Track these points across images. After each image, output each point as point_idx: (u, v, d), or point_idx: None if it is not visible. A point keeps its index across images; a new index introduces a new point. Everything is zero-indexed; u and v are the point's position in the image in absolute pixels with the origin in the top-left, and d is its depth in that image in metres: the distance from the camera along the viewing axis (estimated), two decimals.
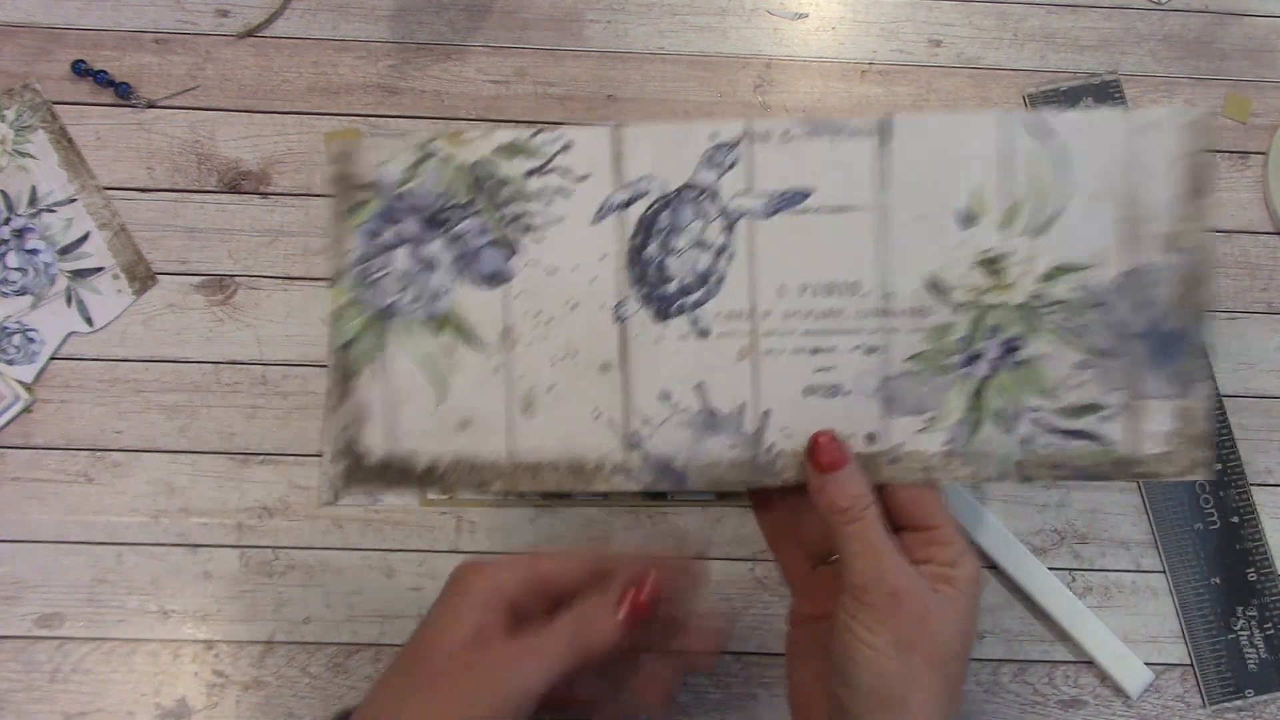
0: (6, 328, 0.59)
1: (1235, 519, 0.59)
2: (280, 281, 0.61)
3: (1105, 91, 0.66)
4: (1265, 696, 0.56)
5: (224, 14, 0.65)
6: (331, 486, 0.42)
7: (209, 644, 0.55)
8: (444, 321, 0.40)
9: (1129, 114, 0.40)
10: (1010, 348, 0.39)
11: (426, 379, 0.41)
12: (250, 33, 0.65)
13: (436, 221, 0.40)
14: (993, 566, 0.58)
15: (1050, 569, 0.57)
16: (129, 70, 0.63)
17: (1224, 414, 0.60)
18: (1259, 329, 0.63)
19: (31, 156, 0.61)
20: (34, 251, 0.60)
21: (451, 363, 0.40)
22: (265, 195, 0.62)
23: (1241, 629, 0.57)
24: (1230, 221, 0.65)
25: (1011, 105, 0.66)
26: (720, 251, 0.39)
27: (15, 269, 0.60)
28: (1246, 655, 0.57)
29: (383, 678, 0.40)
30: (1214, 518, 0.59)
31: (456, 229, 0.40)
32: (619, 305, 0.39)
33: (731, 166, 0.39)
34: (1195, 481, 0.59)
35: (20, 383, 0.58)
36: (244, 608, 0.56)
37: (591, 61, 0.65)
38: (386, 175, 0.41)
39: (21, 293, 0.59)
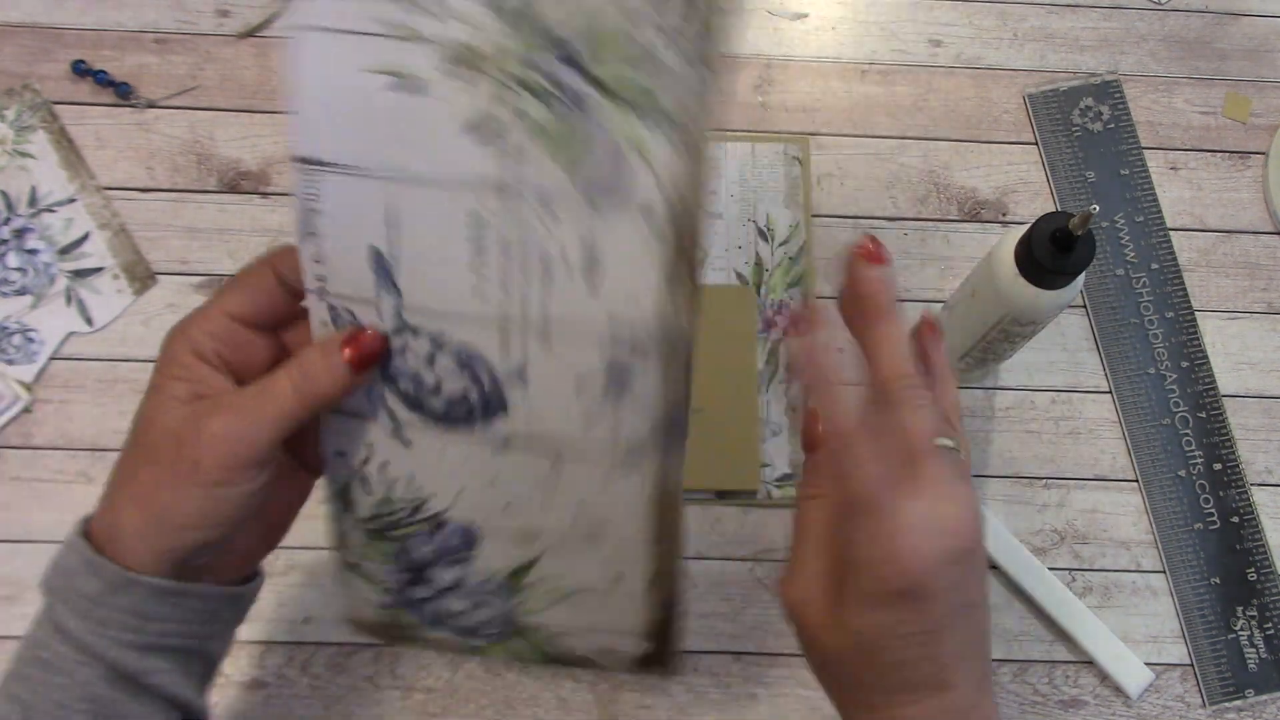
0: (6, 328, 0.59)
1: (1235, 519, 0.59)
2: None
3: (1105, 91, 0.66)
4: (1265, 696, 0.56)
5: (224, 14, 0.65)
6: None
7: None
8: None
9: None
10: None
11: None
12: (250, 33, 0.65)
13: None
14: (993, 566, 0.58)
15: (1050, 569, 0.57)
16: (129, 70, 0.63)
17: (1224, 414, 0.60)
18: (1259, 329, 0.63)
19: (31, 156, 0.61)
20: (34, 251, 0.60)
21: None
22: (265, 195, 0.62)
23: (1241, 629, 0.57)
24: (1230, 221, 0.65)
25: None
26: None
27: (15, 269, 0.60)
28: (1246, 655, 0.57)
29: (112, 473, 0.38)
30: (1214, 518, 0.59)
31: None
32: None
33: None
34: (1195, 481, 0.59)
35: (20, 383, 0.58)
36: None
37: None
38: None
39: (21, 293, 0.59)
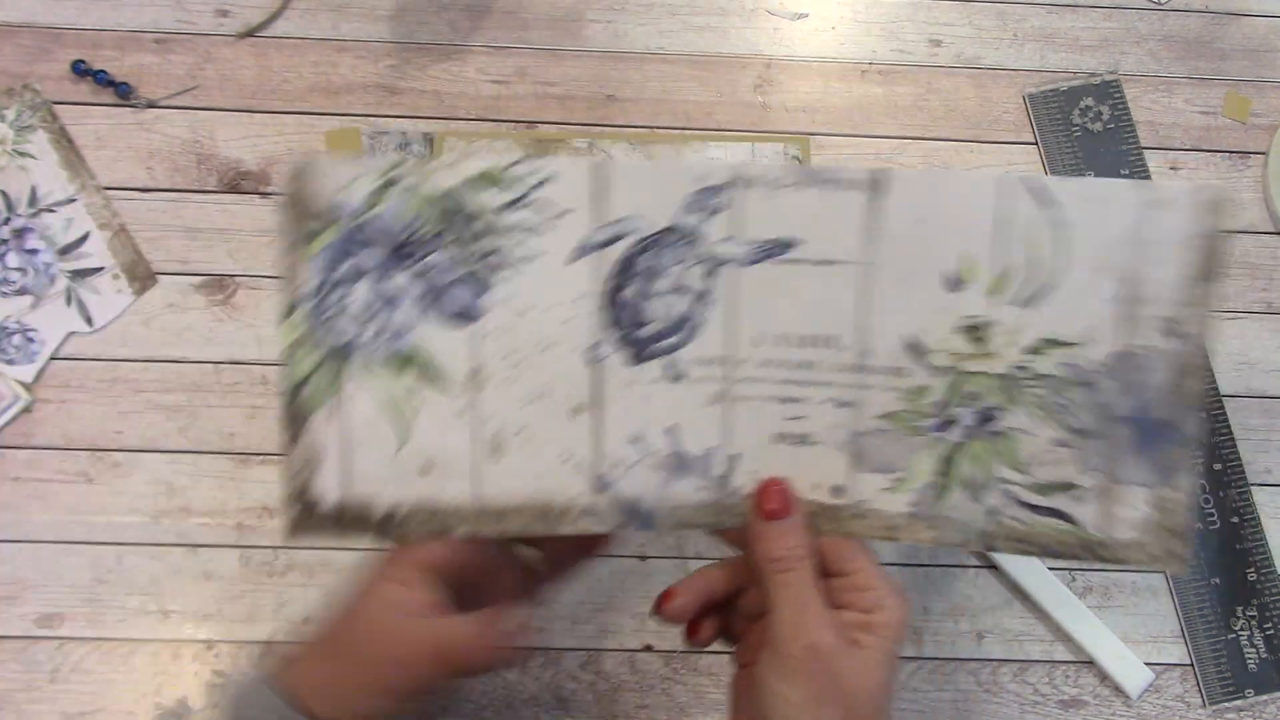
0: (6, 328, 0.59)
1: (1235, 519, 0.59)
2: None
3: (1105, 91, 0.66)
4: (1265, 696, 0.56)
5: (224, 14, 0.65)
6: (282, 532, 0.40)
7: (209, 644, 0.55)
8: (407, 361, 0.38)
9: (1141, 187, 0.37)
10: (986, 417, 0.38)
11: (387, 421, 0.38)
12: (250, 33, 0.65)
13: (401, 255, 0.38)
14: (993, 566, 0.58)
15: (1050, 569, 0.57)
16: (129, 70, 0.63)
17: (1224, 414, 0.60)
18: (1259, 329, 0.63)
19: (31, 156, 0.61)
20: (34, 251, 0.60)
21: (414, 404, 0.38)
22: (265, 195, 0.62)
23: (1241, 629, 0.57)
24: (1230, 221, 0.65)
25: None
26: (700, 297, 0.38)
27: (15, 269, 0.60)
28: (1246, 655, 0.57)
29: (310, 646, 0.39)
30: (1214, 518, 0.59)
31: (423, 263, 0.38)
32: (593, 348, 0.38)
33: (716, 212, 0.38)
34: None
35: (20, 383, 0.58)
36: (244, 608, 0.56)
37: (591, 61, 0.65)
38: (346, 202, 0.38)
39: (21, 293, 0.59)
